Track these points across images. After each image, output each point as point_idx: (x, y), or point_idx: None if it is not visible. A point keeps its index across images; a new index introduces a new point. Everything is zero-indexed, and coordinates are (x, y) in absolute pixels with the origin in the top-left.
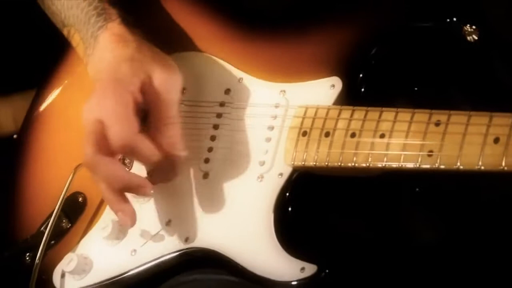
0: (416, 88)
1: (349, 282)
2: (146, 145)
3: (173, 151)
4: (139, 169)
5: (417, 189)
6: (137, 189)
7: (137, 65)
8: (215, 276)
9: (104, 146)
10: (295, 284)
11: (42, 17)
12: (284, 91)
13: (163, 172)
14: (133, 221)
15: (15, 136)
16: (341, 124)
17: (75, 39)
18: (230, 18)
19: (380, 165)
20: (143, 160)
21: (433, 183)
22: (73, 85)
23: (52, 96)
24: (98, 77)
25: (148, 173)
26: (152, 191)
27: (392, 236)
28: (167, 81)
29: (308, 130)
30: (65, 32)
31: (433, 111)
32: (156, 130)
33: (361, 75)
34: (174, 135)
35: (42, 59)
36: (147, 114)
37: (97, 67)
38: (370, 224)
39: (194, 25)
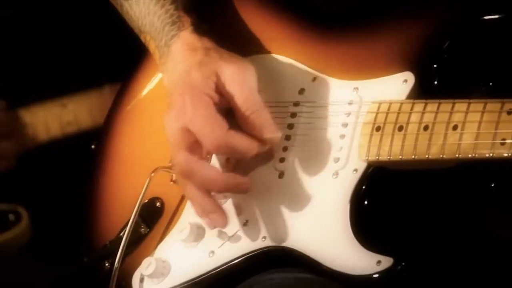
0: (488, 81)
1: (424, 275)
2: (241, 139)
3: (268, 135)
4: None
5: (492, 184)
6: (236, 188)
7: (206, 68)
8: (291, 274)
9: (197, 151)
10: (373, 277)
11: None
12: (357, 88)
13: (259, 160)
14: (226, 221)
15: (93, 146)
16: (414, 117)
17: (151, 47)
18: (302, 19)
19: (453, 156)
20: (241, 154)
21: (508, 177)
22: (150, 93)
23: (128, 104)
24: (173, 88)
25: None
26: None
27: (467, 230)
28: (238, 72)
29: (381, 125)
30: (142, 38)
31: (505, 100)
32: (244, 122)
33: (433, 69)
34: (264, 120)
35: (121, 56)
36: (229, 113)
37: (171, 78)
38: (445, 217)
39: (267, 27)
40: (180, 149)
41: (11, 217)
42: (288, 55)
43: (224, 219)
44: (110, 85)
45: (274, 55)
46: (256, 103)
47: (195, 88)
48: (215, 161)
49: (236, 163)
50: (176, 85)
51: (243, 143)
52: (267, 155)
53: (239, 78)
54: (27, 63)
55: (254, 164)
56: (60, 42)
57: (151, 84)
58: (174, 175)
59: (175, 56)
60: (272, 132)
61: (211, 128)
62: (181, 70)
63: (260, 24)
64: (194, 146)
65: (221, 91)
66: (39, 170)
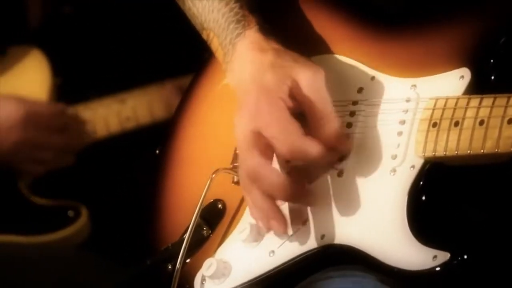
0: None
1: (480, 270)
2: (315, 146)
3: (340, 145)
4: None
5: None
6: (302, 200)
7: (280, 71)
8: (349, 272)
9: (266, 156)
10: (429, 272)
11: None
12: (415, 85)
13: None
14: (286, 229)
15: (157, 151)
16: (470, 112)
17: (214, 44)
18: (360, 19)
19: (508, 150)
20: (312, 160)
21: None
22: (212, 94)
23: (191, 105)
24: (242, 88)
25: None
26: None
27: None
28: (313, 77)
29: (438, 121)
30: (204, 35)
31: None
32: (317, 128)
33: (490, 65)
34: (338, 129)
35: (182, 51)
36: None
37: (238, 77)
38: (499, 211)
39: (326, 28)
40: (251, 152)
41: (70, 213)
42: (348, 55)
43: (284, 227)
44: (170, 80)
45: (335, 55)
46: (331, 111)
47: (270, 91)
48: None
49: (297, 170)
50: (247, 86)
51: (317, 150)
52: (330, 164)
53: (315, 84)
54: (87, 59)
55: (315, 173)
56: (121, 38)
57: (213, 86)
58: (235, 176)
59: (242, 55)
60: (345, 143)
61: (287, 134)
62: (251, 70)
63: (320, 25)
64: (265, 150)
65: (295, 96)
66: (100, 168)
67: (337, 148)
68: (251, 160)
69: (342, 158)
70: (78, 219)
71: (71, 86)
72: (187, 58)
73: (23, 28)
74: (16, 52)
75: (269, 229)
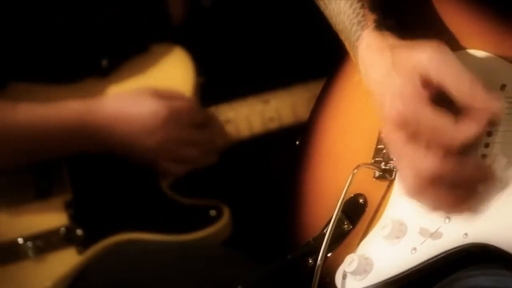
0: None
1: None
2: (470, 128)
3: (490, 104)
4: None
5: None
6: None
7: (403, 68)
8: (488, 271)
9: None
10: None
11: None
12: None
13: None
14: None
15: (297, 142)
16: None
17: (347, 45)
18: (500, 13)
19: None
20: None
21: None
22: (353, 89)
23: (332, 100)
24: (376, 94)
25: None
26: None
27: None
28: (433, 54)
29: None
30: (339, 35)
31: None
32: (464, 99)
33: None
34: (483, 91)
35: (325, 52)
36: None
37: (367, 80)
38: None
39: (464, 22)
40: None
41: (213, 212)
42: (488, 50)
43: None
44: (313, 81)
45: (475, 51)
46: (469, 77)
47: (405, 96)
48: None
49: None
50: (379, 92)
51: (473, 130)
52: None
53: (439, 59)
54: (229, 58)
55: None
56: (263, 37)
57: (353, 81)
58: (376, 172)
59: (364, 59)
60: (493, 100)
61: (444, 129)
62: (377, 76)
63: (458, 19)
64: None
65: (427, 81)
66: (242, 166)
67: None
68: (430, 160)
69: (484, 156)
70: (220, 219)
71: (214, 85)
72: (330, 58)
73: (166, 25)
74: (159, 49)
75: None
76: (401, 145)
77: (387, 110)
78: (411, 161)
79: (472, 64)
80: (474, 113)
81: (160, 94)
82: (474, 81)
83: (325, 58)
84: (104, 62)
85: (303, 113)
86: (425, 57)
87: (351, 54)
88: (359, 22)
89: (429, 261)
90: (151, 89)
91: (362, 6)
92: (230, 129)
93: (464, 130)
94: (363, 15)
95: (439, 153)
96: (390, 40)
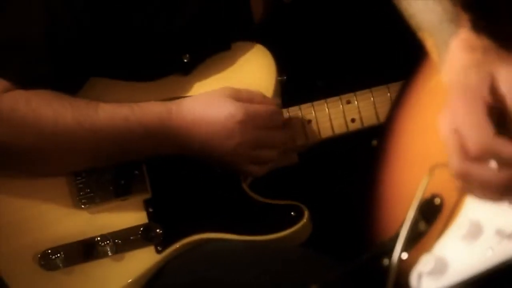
0: None
1: None
2: (506, 146)
3: None
4: None
5: None
6: None
7: (482, 69)
8: None
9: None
10: None
11: None
12: None
13: None
14: None
15: (374, 142)
16: None
17: (429, 44)
18: None
19: None
20: (507, 160)
21: None
22: (430, 90)
23: (409, 101)
24: (450, 87)
25: None
26: None
27: None
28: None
29: None
30: (419, 35)
31: None
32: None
33: None
34: None
35: (405, 54)
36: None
37: (448, 77)
38: None
39: None
40: (452, 151)
41: (293, 214)
42: None
43: None
44: (394, 82)
45: None
46: None
47: (469, 90)
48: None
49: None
50: (453, 85)
51: (508, 150)
52: None
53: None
54: (310, 57)
55: None
56: (345, 37)
57: (431, 81)
58: None
59: (454, 54)
60: None
61: (475, 133)
62: (458, 69)
63: None
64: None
65: (495, 93)
66: (320, 167)
67: None
68: (452, 159)
69: None
70: (300, 219)
71: (295, 84)
72: (410, 60)
73: (248, 22)
74: (240, 47)
75: None
76: (447, 150)
77: (440, 117)
78: (449, 163)
79: None
80: None
81: (238, 96)
82: None
83: (406, 59)
84: (186, 59)
85: (384, 115)
86: (505, 71)
87: (436, 52)
88: (451, 20)
89: (506, 263)
90: (230, 90)
91: (454, 5)
92: (312, 129)
93: (496, 148)
94: (456, 14)
95: None
96: (486, 42)
